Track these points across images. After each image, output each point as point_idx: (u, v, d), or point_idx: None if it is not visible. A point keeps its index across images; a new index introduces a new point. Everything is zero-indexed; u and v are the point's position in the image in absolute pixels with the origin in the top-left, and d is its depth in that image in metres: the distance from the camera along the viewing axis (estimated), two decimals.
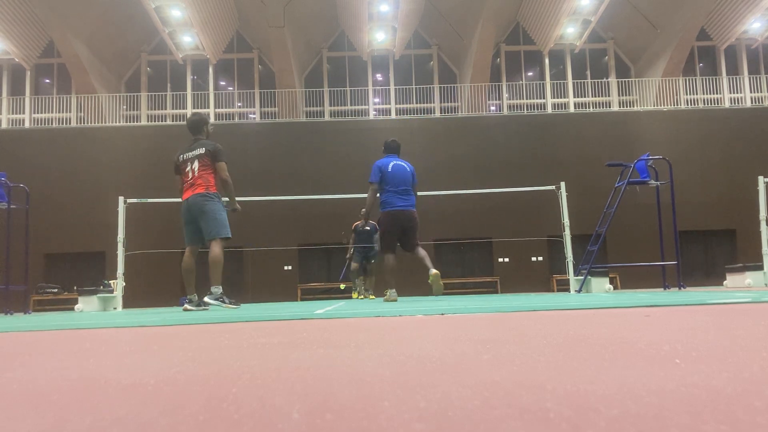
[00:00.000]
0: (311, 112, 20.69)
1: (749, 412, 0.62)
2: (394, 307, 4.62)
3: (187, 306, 5.55)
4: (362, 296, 11.49)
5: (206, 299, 5.49)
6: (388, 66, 21.57)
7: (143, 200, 10.55)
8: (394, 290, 6.64)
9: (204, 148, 5.76)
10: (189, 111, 20.54)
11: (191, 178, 5.76)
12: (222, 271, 5.58)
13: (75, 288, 14.32)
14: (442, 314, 3.03)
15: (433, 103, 21.01)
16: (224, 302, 5.47)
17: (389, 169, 6.79)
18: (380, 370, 1.04)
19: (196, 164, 5.74)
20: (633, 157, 10.57)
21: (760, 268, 10.18)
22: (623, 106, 20.36)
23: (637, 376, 0.87)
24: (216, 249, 5.54)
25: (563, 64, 21.64)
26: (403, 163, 6.93)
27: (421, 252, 6.78)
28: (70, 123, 19.65)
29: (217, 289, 5.47)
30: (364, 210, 7.19)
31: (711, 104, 20.49)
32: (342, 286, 13.63)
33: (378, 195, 6.88)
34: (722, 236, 17.22)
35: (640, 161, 9.34)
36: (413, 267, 17.09)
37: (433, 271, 6.38)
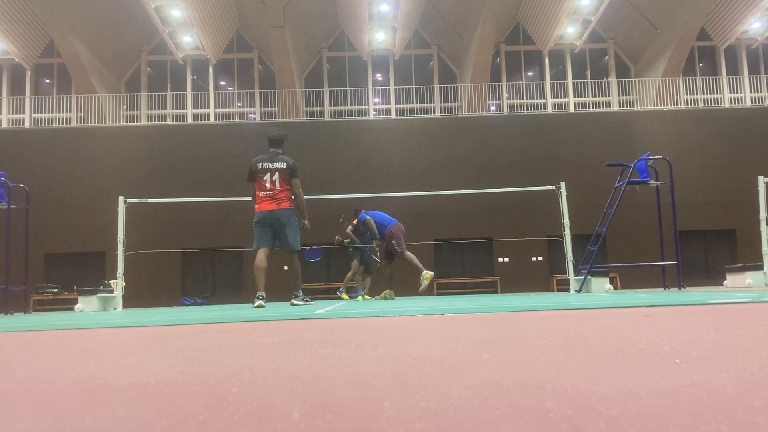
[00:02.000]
0: (311, 112, 20.69)
1: (749, 412, 0.62)
2: (394, 307, 4.62)
3: (260, 303, 6.00)
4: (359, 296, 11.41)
5: (294, 301, 6.40)
6: (388, 66, 21.57)
7: (143, 200, 10.55)
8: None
9: (285, 164, 6.40)
10: (189, 111, 20.54)
11: (272, 191, 6.35)
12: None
13: (75, 288, 14.32)
14: (442, 314, 3.03)
15: (433, 103, 21.01)
16: (307, 301, 6.53)
17: (376, 219, 9.46)
18: (380, 370, 1.04)
19: (276, 177, 6.34)
20: (633, 157, 10.57)
21: (760, 268, 10.18)
22: (623, 106, 20.35)
23: (637, 376, 0.87)
24: (296, 262, 6.44)
25: (563, 64, 21.64)
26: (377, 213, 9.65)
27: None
28: (70, 123, 19.65)
29: (299, 292, 6.48)
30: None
31: (711, 104, 20.48)
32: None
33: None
34: (722, 236, 17.22)
35: (640, 161, 9.34)
36: (412, 267, 17.06)
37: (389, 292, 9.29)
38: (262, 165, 6.41)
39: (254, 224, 6.42)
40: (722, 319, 2.09)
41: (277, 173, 6.32)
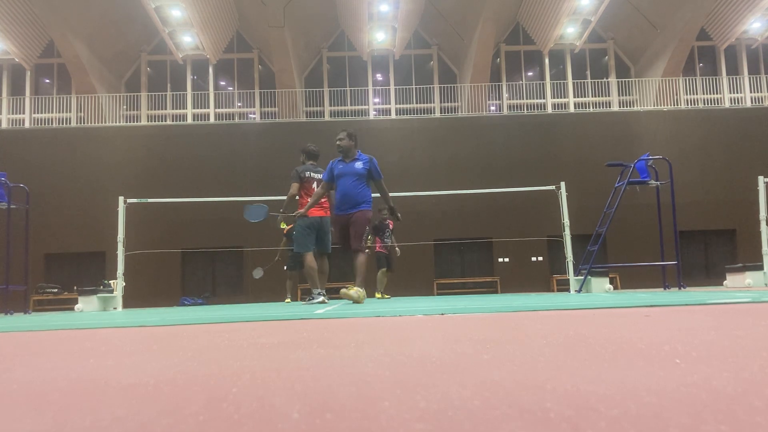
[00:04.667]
0: (311, 112, 20.68)
1: (749, 412, 0.62)
2: (394, 307, 4.62)
3: (323, 298, 6.64)
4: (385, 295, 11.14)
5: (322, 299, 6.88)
6: (388, 66, 21.57)
7: (143, 200, 10.54)
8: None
9: (320, 175, 7.12)
10: (189, 111, 20.54)
11: (319, 200, 6.89)
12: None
13: (75, 288, 14.31)
14: (442, 314, 3.03)
15: (433, 103, 21.01)
16: (318, 297, 6.90)
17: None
18: (380, 370, 1.04)
19: (318, 185, 7.00)
20: (633, 157, 10.57)
21: (760, 268, 10.18)
22: (623, 106, 20.35)
23: (637, 376, 0.87)
24: (326, 262, 7.03)
25: (563, 64, 21.64)
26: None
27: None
28: (70, 123, 19.65)
29: (322, 290, 6.90)
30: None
31: (711, 104, 20.48)
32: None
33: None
34: (722, 236, 17.22)
35: (640, 161, 9.34)
36: (412, 267, 16.89)
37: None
38: (309, 174, 7.19)
39: (304, 228, 6.72)
40: (722, 319, 2.09)
41: (319, 183, 7.06)
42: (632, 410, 0.64)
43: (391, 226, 11.23)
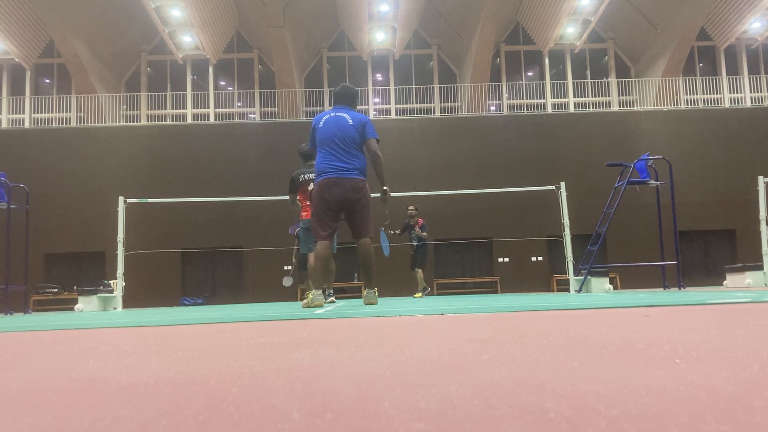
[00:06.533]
0: (311, 112, 20.68)
1: (749, 412, 0.62)
2: (394, 307, 4.62)
3: (332, 299, 6.90)
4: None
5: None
6: (388, 66, 21.57)
7: (143, 200, 10.54)
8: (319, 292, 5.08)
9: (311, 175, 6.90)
10: (189, 111, 20.54)
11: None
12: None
13: (75, 288, 14.31)
14: (442, 314, 3.03)
15: (433, 103, 21.01)
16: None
17: (321, 125, 5.14)
18: (380, 370, 1.04)
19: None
20: (633, 157, 10.57)
21: (760, 268, 10.19)
22: (623, 106, 20.35)
23: (637, 376, 0.87)
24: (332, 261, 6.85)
25: (563, 64, 21.63)
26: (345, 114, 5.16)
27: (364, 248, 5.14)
28: (70, 123, 19.64)
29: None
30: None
31: (711, 104, 20.48)
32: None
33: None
34: (722, 236, 17.22)
35: (640, 161, 9.34)
36: (405, 265, 16.93)
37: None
38: (304, 176, 7.10)
39: (306, 229, 6.93)
40: (722, 319, 2.09)
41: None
42: (632, 410, 0.64)
43: (417, 225, 10.83)
